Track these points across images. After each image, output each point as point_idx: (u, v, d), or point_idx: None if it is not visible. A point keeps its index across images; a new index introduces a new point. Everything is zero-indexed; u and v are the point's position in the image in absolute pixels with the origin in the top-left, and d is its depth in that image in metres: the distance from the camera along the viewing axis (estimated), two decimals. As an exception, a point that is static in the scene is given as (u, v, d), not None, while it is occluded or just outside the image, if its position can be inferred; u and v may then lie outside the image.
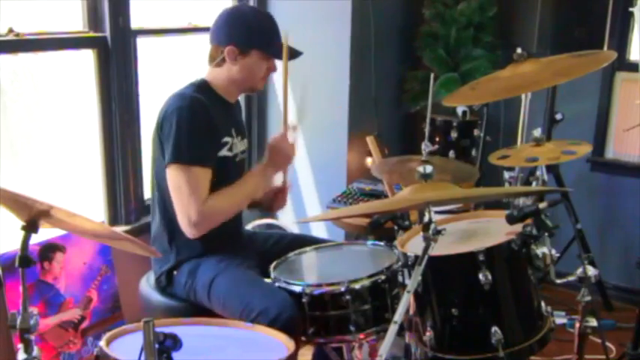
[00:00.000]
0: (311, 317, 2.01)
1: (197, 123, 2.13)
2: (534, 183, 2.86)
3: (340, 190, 3.33)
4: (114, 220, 2.96)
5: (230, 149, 2.25)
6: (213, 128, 2.17)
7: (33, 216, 1.57)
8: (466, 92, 2.55)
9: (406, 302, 1.69)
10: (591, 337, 2.05)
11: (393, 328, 1.65)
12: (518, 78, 2.40)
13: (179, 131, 2.11)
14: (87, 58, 2.81)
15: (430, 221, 1.72)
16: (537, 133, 2.57)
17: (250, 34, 2.20)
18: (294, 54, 2.30)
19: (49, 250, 2.56)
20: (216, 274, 2.15)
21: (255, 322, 1.93)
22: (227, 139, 2.24)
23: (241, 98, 3.56)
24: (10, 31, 2.51)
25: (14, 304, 2.36)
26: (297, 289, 2.02)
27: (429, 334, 1.93)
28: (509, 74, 2.44)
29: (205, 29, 3.28)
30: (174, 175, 2.12)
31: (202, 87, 2.25)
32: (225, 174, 2.21)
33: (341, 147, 3.56)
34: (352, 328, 2.00)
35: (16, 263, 1.57)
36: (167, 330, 1.41)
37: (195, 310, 2.16)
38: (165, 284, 2.27)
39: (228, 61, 2.21)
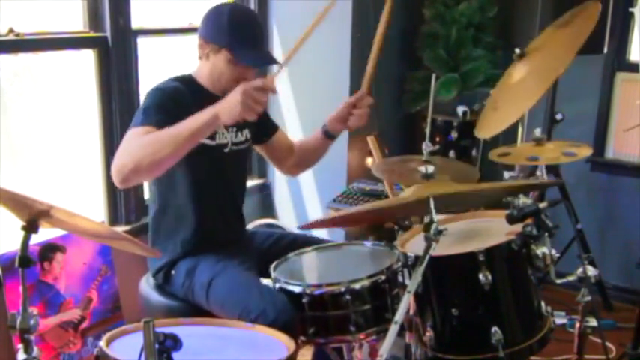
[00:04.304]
0: (311, 317, 2.01)
1: (164, 100, 2.07)
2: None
3: (340, 190, 3.33)
4: (114, 220, 2.96)
5: (212, 138, 2.19)
6: (184, 111, 2.01)
7: (33, 216, 1.57)
8: (490, 116, 2.47)
9: (406, 302, 1.70)
10: (591, 337, 2.05)
11: (393, 328, 1.65)
12: (529, 79, 2.36)
13: (145, 103, 2.08)
14: (87, 58, 2.81)
15: (432, 221, 1.72)
16: (538, 132, 2.57)
17: (220, 32, 2.13)
18: (265, 61, 2.28)
19: (49, 250, 2.56)
20: (214, 275, 2.14)
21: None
22: None
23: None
24: (11, 31, 2.51)
25: (14, 304, 2.36)
26: (298, 289, 2.02)
27: (429, 334, 1.93)
28: (517, 78, 2.40)
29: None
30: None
31: (184, 79, 2.22)
32: (208, 163, 2.19)
33: (341, 147, 3.56)
34: (352, 328, 1.99)
35: (16, 263, 1.57)
36: (167, 330, 1.41)
37: (195, 310, 2.15)
38: (162, 282, 2.26)
39: (202, 56, 2.19)
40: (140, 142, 1.93)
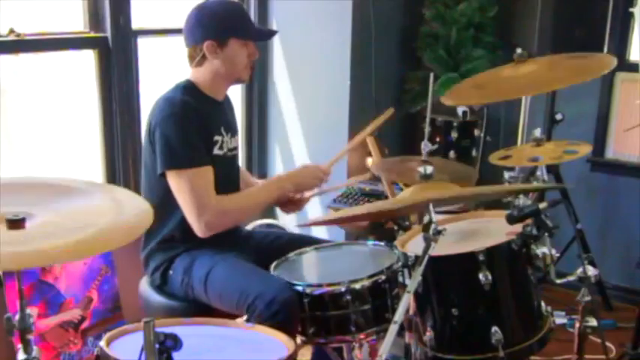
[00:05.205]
0: (311, 317, 2.01)
1: (189, 127, 2.15)
2: (534, 183, 2.86)
3: (340, 190, 3.33)
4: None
5: (221, 147, 2.27)
6: (205, 128, 2.19)
7: None
8: (468, 90, 2.53)
9: (406, 302, 1.70)
10: (591, 337, 2.05)
11: (393, 328, 1.65)
12: (519, 79, 2.39)
13: (172, 137, 2.13)
14: (88, 58, 2.81)
15: (431, 221, 1.72)
16: (537, 133, 2.57)
17: (223, 25, 2.22)
18: (269, 34, 2.51)
19: (50, 250, 2.56)
20: (212, 267, 2.16)
21: (252, 307, 1.96)
22: (217, 137, 2.25)
23: (241, 98, 3.60)
24: (11, 31, 2.51)
25: (15, 304, 2.36)
26: (298, 289, 2.02)
27: (429, 334, 1.93)
28: (511, 74, 2.42)
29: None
30: (174, 181, 2.14)
31: (189, 88, 2.26)
32: (218, 172, 2.22)
33: (341, 147, 3.55)
34: (352, 328, 2.00)
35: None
36: (167, 330, 1.41)
37: (195, 309, 2.16)
38: (159, 283, 2.27)
39: (209, 57, 2.23)
40: (235, 206, 2.24)
